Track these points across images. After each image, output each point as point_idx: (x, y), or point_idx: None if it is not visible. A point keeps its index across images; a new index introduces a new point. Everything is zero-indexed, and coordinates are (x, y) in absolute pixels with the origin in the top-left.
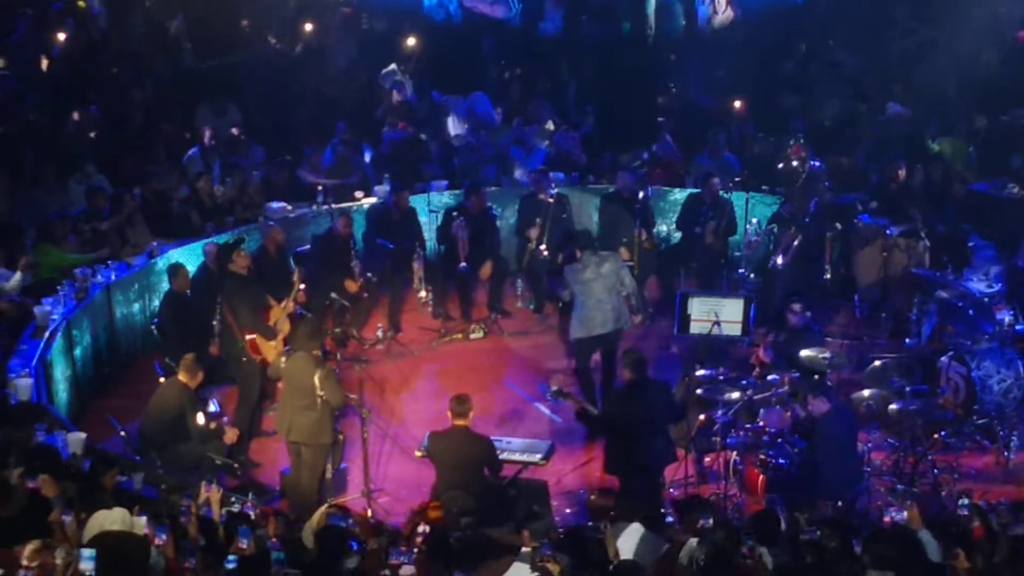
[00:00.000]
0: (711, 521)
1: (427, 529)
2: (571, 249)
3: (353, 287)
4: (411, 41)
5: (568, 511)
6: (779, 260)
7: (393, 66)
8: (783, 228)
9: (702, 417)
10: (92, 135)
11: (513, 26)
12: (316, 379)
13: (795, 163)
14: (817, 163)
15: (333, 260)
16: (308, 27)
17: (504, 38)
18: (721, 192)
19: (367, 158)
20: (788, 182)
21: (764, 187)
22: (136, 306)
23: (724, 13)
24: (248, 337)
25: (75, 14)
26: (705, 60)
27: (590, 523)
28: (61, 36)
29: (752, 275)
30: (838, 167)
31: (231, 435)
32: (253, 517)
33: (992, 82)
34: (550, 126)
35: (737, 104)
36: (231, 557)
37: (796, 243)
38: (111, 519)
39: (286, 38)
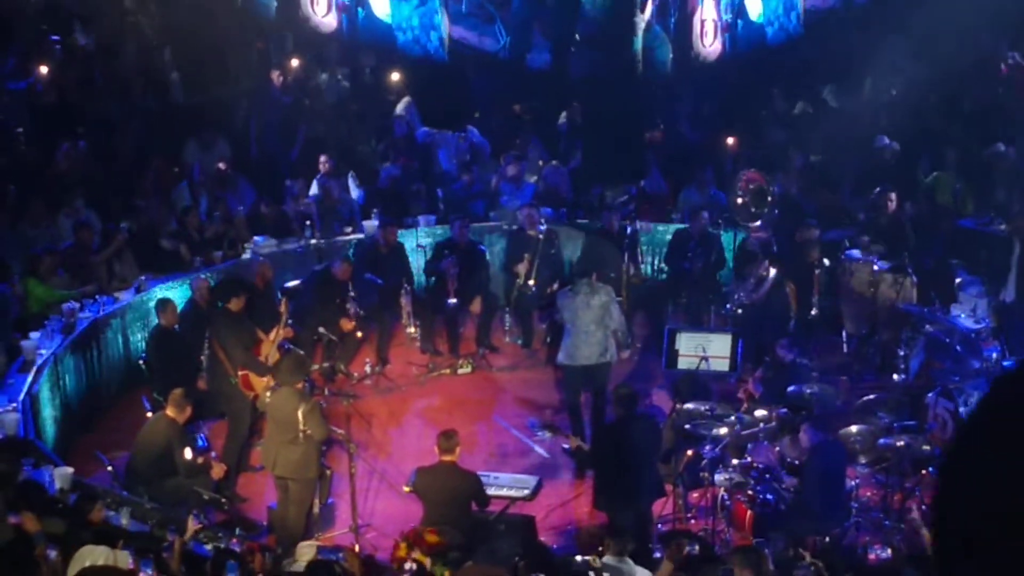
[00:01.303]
0: (696, 548)
1: (414, 567)
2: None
3: (348, 326)
4: (395, 76)
5: (556, 547)
6: (746, 295)
7: (407, 99)
8: (749, 263)
9: (690, 452)
10: (81, 169)
11: (502, 59)
12: (300, 413)
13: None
14: (777, 187)
15: (326, 297)
16: (295, 63)
17: (493, 72)
18: (709, 228)
19: (355, 194)
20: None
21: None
22: (124, 341)
23: (712, 46)
24: (241, 373)
25: (64, 47)
26: (693, 95)
27: (578, 557)
28: (44, 69)
29: (740, 310)
30: (824, 202)
31: (218, 470)
32: (240, 552)
33: (978, 116)
34: (539, 162)
35: (730, 141)
36: None
37: (772, 276)
38: (95, 554)
39: (278, 74)
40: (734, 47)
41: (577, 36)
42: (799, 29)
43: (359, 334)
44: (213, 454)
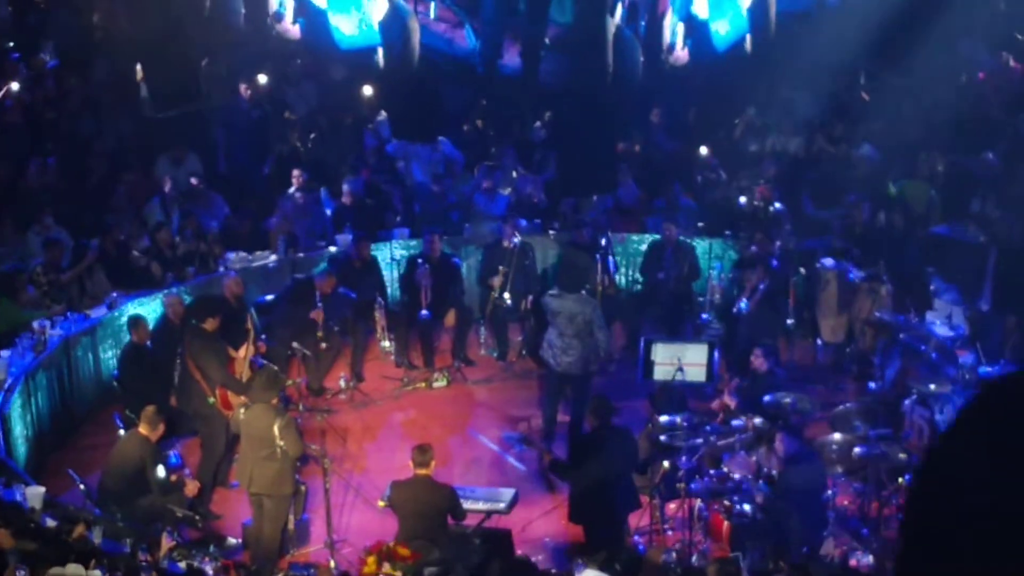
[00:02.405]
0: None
1: None
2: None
3: (318, 316)
4: (368, 90)
5: (533, 560)
6: (743, 304)
7: (384, 114)
8: (748, 270)
9: (666, 464)
10: (50, 186)
11: (472, 64)
12: (276, 429)
13: (759, 203)
14: (780, 206)
15: (299, 311)
16: (263, 79)
17: (463, 78)
18: (682, 237)
19: (327, 209)
20: (752, 222)
21: (726, 232)
22: (96, 358)
23: (682, 50)
24: (219, 392)
25: (28, 65)
26: (667, 103)
27: (554, 571)
28: (15, 86)
29: (715, 320)
30: (798, 212)
31: (192, 488)
32: (212, 572)
33: (954, 125)
34: (513, 173)
35: (703, 150)
36: None
37: (763, 286)
38: (67, 574)
39: (245, 87)
40: (706, 53)
41: (547, 41)
42: (768, 33)
43: (323, 345)
44: (187, 471)
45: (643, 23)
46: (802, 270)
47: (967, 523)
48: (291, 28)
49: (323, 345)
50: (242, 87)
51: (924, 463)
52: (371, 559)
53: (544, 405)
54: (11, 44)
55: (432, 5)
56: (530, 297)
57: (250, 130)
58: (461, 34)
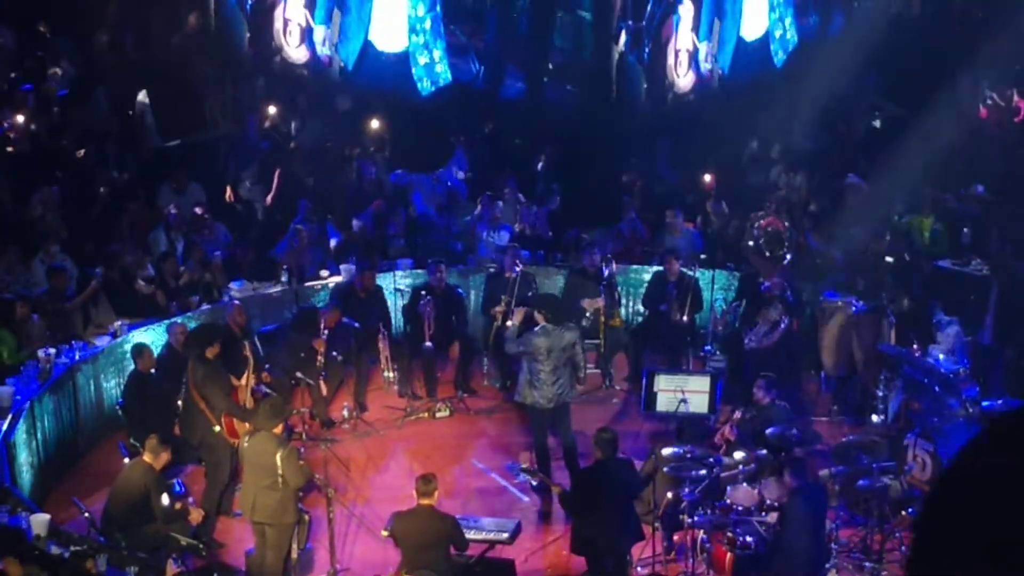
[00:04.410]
0: None
1: None
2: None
3: (320, 346)
4: (375, 124)
5: None
6: (756, 340)
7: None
8: (766, 307)
9: (670, 495)
10: (55, 215)
11: (476, 89)
12: (278, 458)
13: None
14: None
15: (303, 340)
16: (272, 110)
17: (468, 103)
18: (685, 269)
19: (331, 241)
20: (765, 257)
21: (729, 264)
22: (101, 386)
23: (686, 77)
24: (224, 420)
25: (37, 95)
26: (670, 132)
27: None
28: (21, 119)
29: (719, 352)
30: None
31: (196, 516)
32: None
33: (957, 158)
34: (517, 205)
35: (707, 178)
36: None
37: (784, 324)
38: None
39: (255, 118)
40: (708, 83)
41: (550, 66)
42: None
43: (322, 375)
44: (191, 499)
45: (647, 51)
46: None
47: (972, 554)
48: (295, 52)
49: (322, 375)
50: (252, 117)
51: (930, 496)
52: None
53: (538, 445)
54: (12, 75)
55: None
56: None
57: (257, 160)
58: (465, 59)
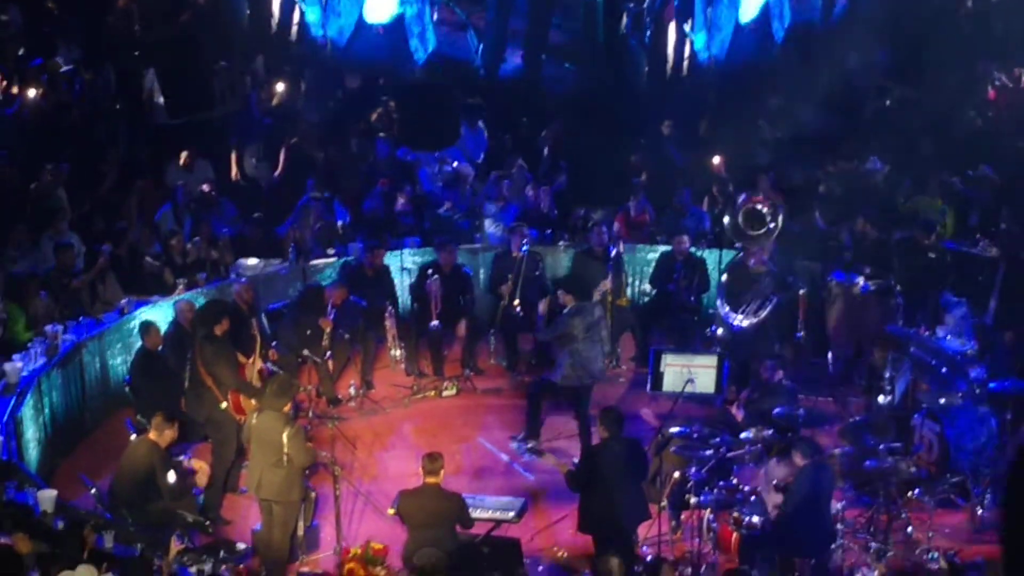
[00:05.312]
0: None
1: None
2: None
3: (326, 325)
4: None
5: (541, 569)
6: (743, 320)
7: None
8: (756, 282)
9: (676, 475)
10: (64, 192)
11: (475, 67)
12: (284, 437)
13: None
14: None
15: (310, 319)
16: (280, 87)
17: (468, 82)
18: (693, 249)
19: (340, 219)
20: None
21: (737, 244)
22: (108, 363)
23: (687, 58)
24: (232, 397)
25: (47, 71)
26: (678, 116)
27: None
28: (32, 93)
29: (722, 332)
30: (807, 227)
31: (203, 477)
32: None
33: (967, 140)
34: (526, 186)
35: (716, 160)
36: None
37: (774, 300)
38: None
39: (260, 95)
40: (717, 61)
41: (550, 46)
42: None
43: (328, 355)
44: (191, 464)
45: (648, 33)
46: (802, 289)
47: None
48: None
49: (328, 355)
50: (255, 94)
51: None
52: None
53: (584, 418)
54: (20, 52)
55: (436, 8)
56: (541, 306)
57: (262, 137)
58: (463, 36)
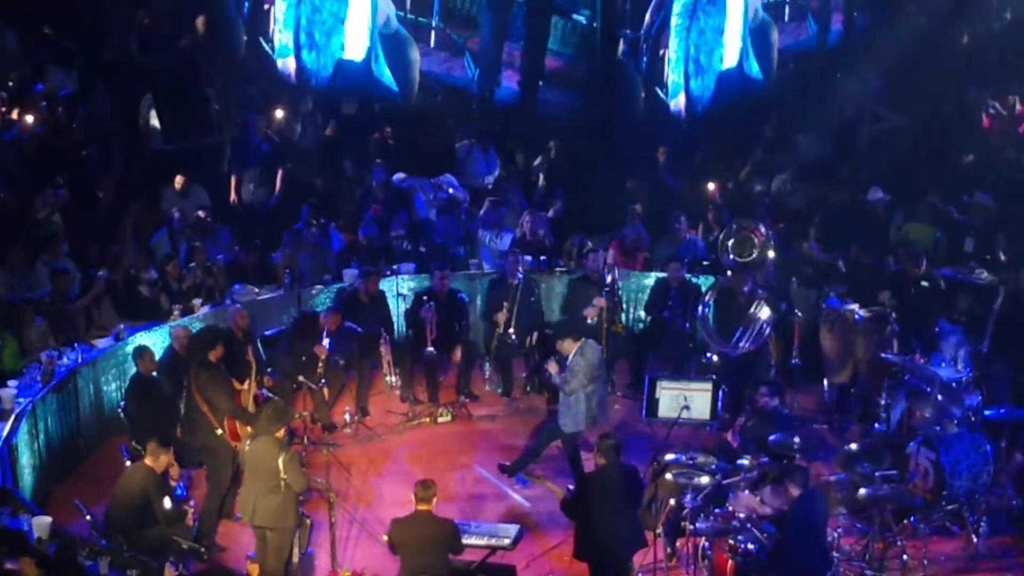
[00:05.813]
0: None
1: None
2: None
3: (321, 352)
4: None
5: None
6: (745, 341)
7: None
8: (744, 309)
9: (672, 502)
10: (59, 217)
11: (471, 93)
12: (280, 462)
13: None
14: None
15: (304, 345)
16: (279, 114)
17: (464, 108)
18: (687, 276)
19: (335, 245)
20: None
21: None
22: (102, 389)
23: (679, 97)
24: (227, 423)
25: (46, 96)
26: (673, 143)
27: None
28: (30, 119)
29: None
30: (802, 255)
31: (188, 519)
32: None
33: (959, 168)
34: (524, 212)
35: (711, 186)
36: None
37: (771, 324)
38: None
39: (259, 121)
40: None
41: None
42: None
43: (322, 382)
44: (192, 503)
45: (644, 60)
46: (798, 313)
47: None
48: (287, 60)
49: (323, 381)
50: (254, 121)
51: None
52: None
53: (572, 456)
54: (15, 74)
55: (432, 34)
56: (535, 334)
57: (260, 163)
58: (460, 63)
